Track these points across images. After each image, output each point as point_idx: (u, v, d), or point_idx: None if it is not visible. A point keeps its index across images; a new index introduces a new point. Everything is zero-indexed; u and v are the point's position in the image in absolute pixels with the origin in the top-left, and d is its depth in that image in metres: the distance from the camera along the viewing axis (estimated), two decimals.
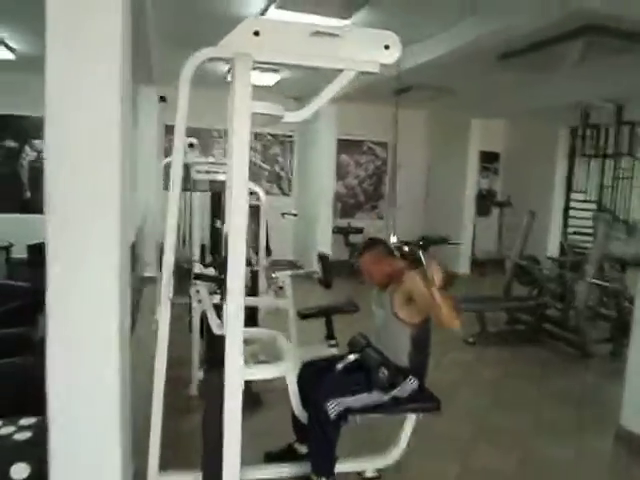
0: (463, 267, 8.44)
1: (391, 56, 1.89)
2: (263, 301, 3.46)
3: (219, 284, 2.82)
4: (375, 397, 2.12)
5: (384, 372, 2.05)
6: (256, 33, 1.73)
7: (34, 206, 7.40)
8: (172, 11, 4.38)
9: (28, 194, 7.77)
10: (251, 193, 4.25)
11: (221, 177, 3.63)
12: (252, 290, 3.78)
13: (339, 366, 2.13)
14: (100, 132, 1.65)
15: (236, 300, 1.71)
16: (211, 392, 1.77)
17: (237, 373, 1.73)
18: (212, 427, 1.73)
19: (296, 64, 1.88)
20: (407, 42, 1.88)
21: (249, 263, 4.48)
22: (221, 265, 3.43)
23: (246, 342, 2.55)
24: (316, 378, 2.15)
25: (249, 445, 1.75)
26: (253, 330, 2.26)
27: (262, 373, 1.80)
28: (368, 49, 1.85)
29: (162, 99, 7.67)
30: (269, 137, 8.92)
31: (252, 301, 3.31)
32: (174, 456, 2.21)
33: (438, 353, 4.07)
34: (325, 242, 7.91)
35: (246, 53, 1.70)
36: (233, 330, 1.73)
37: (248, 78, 1.64)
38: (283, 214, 8.10)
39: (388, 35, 1.83)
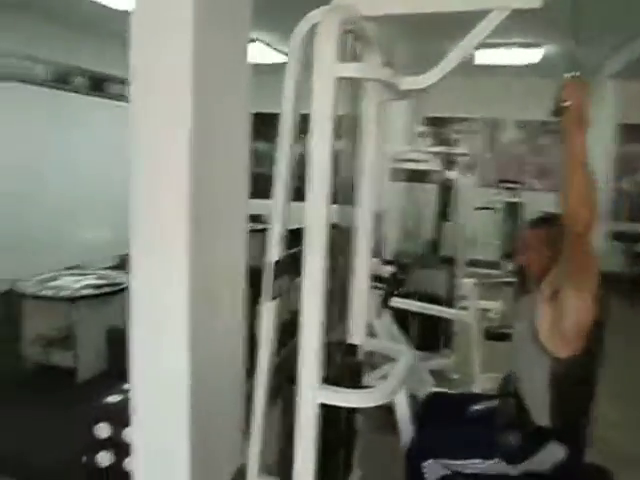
0: None
1: None
2: (434, 310, 2.90)
3: (387, 284, 2.51)
4: (497, 467, 1.49)
5: (514, 438, 1.43)
6: None
7: (299, 194, 8.26)
8: None
9: (296, 183, 8.66)
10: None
11: (422, 166, 3.26)
12: (447, 297, 3.31)
13: (472, 408, 1.60)
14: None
15: (312, 299, 1.42)
16: (284, 407, 1.54)
17: (309, 394, 1.44)
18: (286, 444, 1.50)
19: (421, 12, 1.46)
20: None
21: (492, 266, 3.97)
22: (401, 265, 3.11)
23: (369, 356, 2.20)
24: (437, 417, 1.68)
25: (377, 467, 1.46)
26: (373, 342, 1.89)
27: (340, 398, 1.45)
28: None
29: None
30: (536, 125, 7.87)
31: (419, 307, 2.84)
32: None
33: None
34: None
35: (344, 5, 1.38)
36: (307, 336, 1.43)
37: (334, 31, 1.31)
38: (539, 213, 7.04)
39: None
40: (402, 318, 3.07)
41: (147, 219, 1.65)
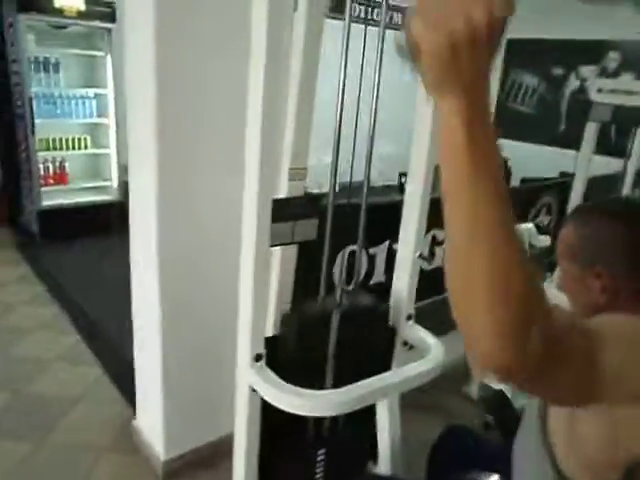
0: None
1: None
2: None
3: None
4: None
5: None
6: None
7: (565, 139, 6.92)
8: None
9: (562, 126, 7.27)
10: None
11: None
12: None
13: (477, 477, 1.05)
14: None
15: (248, 265, 1.12)
16: None
17: (243, 373, 1.18)
18: None
19: None
20: None
21: None
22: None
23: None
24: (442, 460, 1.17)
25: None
26: (411, 328, 1.40)
27: (267, 392, 1.11)
28: None
29: None
30: None
31: None
32: None
33: None
34: None
35: None
36: (244, 302, 1.15)
37: None
38: None
39: None
40: None
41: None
